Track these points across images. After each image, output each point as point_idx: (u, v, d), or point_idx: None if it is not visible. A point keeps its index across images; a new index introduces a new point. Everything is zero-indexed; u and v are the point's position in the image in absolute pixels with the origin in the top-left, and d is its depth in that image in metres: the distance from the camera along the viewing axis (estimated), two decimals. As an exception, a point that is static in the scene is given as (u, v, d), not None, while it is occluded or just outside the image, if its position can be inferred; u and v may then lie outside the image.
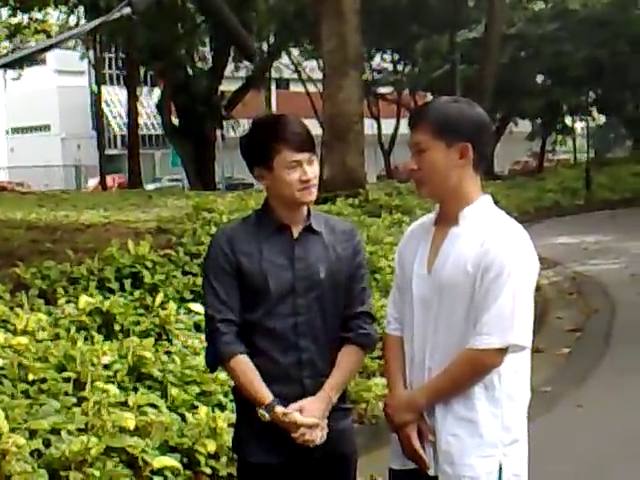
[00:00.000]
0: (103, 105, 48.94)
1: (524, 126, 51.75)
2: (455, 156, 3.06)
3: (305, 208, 3.37)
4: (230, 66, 39.00)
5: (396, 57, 49.20)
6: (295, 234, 3.34)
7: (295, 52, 47.39)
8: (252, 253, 3.29)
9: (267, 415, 3.24)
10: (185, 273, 9.17)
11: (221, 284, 3.30)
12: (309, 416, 3.26)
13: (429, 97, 40.90)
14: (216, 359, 3.37)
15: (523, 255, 3.03)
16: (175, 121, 37.00)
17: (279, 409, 3.24)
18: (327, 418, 3.31)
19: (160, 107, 37.80)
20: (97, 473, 4.70)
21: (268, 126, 3.35)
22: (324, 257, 3.34)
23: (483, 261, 2.98)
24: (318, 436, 3.27)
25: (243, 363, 3.27)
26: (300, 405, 3.27)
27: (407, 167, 3.14)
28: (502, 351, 2.99)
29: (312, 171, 3.30)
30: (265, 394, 3.25)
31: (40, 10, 36.98)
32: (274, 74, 49.79)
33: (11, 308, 7.30)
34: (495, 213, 3.13)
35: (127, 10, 2.29)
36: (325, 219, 3.47)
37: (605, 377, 8.54)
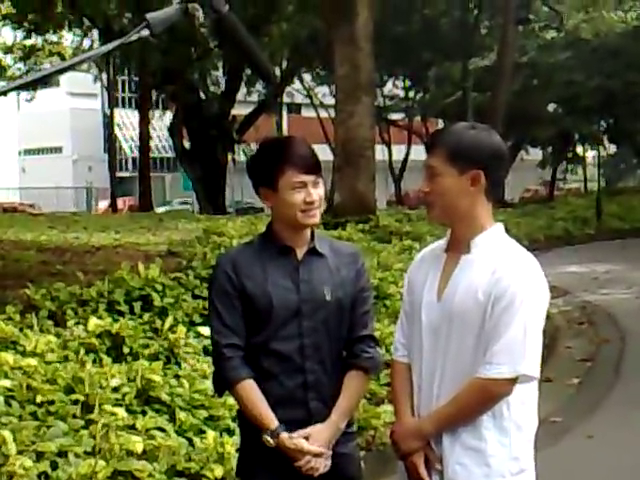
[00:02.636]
0: (115, 128, 49.15)
1: (535, 154, 51.79)
2: (466, 183, 3.05)
3: (309, 231, 3.36)
4: (242, 90, 39.15)
5: (408, 83, 49.38)
6: (299, 256, 3.34)
7: (307, 77, 47.61)
8: (256, 276, 3.29)
9: (272, 441, 3.23)
10: (195, 297, 9.16)
11: (226, 308, 3.29)
12: (315, 444, 3.24)
13: (440, 124, 40.97)
14: (222, 384, 3.36)
15: (535, 285, 3.02)
16: (187, 144, 37.11)
17: (284, 435, 3.23)
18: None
19: (172, 130, 37.94)
20: (104, 496, 4.69)
21: (275, 147, 3.37)
22: (329, 279, 3.33)
23: (494, 290, 2.97)
24: (322, 465, 3.25)
25: (249, 388, 3.26)
26: (307, 432, 3.25)
27: (421, 188, 3.14)
28: (512, 381, 2.97)
29: (317, 193, 3.29)
30: (270, 419, 3.24)
31: (54, 33, 37.19)
32: (286, 99, 50.05)
33: (21, 329, 7.30)
34: (507, 242, 3.12)
35: (145, 32, 2.29)
36: (329, 242, 3.47)
37: (616, 408, 8.49)
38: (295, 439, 3.23)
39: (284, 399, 3.26)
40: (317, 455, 3.24)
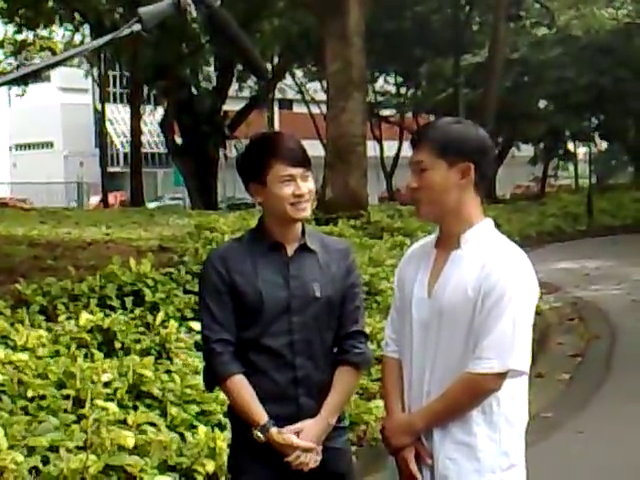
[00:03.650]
0: (106, 123, 49.02)
1: (526, 150, 51.83)
2: (456, 176, 3.06)
3: (299, 226, 3.37)
4: (234, 86, 39.11)
5: (400, 80, 49.37)
6: (289, 252, 3.35)
7: (299, 73, 47.57)
8: (247, 272, 3.30)
9: (262, 436, 3.24)
10: (186, 292, 9.17)
11: (216, 304, 3.30)
12: (306, 439, 3.26)
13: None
14: (213, 379, 3.37)
15: (524, 280, 3.03)
16: (178, 140, 37.07)
17: (274, 430, 3.24)
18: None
19: (163, 126, 37.88)
20: (95, 491, 4.69)
21: (263, 142, 3.39)
22: (319, 275, 3.34)
23: (484, 285, 2.98)
24: (312, 460, 3.27)
25: (239, 383, 3.27)
26: (297, 427, 3.27)
27: (409, 184, 3.14)
28: (501, 376, 2.98)
29: (306, 186, 3.30)
30: (260, 415, 3.25)
31: (45, 27, 37.11)
32: (277, 95, 49.98)
33: (12, 324, 7.30)
34: (496, 237, 3.12)
35: (137, 27, 2.29)
36: (320, 238, 3.47)
37: (606, 403, 8.51)
38: (285, 434, 3.24)
39: (274, 394, 3.28)
40: (307, 450, 3.25)
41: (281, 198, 3.27)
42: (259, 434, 3.24)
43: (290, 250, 3.35)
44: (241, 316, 3.30)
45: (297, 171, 3.28)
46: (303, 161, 3.31)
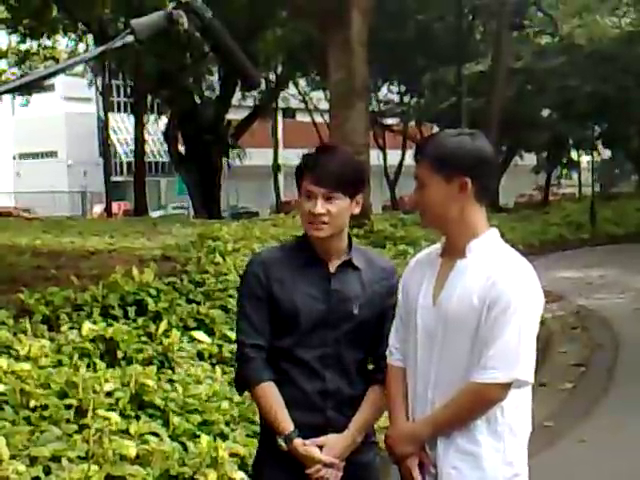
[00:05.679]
0: (110, 132, 49.11)
1: (529, 159, 51.86)
2: (454, 190, 3.05)
3: (343, 242, 3.36)
4: (237, 95, 39.16)
5: (403, 89, 49.43)
6: (332, 267, 3.34)
7: (302, 82, 47.64)
8: (285, 281, 3.30)
9: (284, 445, 3.24)
10: (189, 301, 9.17)
11: (253, 309, 3.31)
12: (329, 453, 3.25)
13: (435, 129, 40.98)
14: (243, 383, 3.38)
15: (529, 290, 3.02)
16: (182, 149, 37.10)
17: (298, 441, 3.24)
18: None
19: (167, 135, 37.93)
20: (97, 501, 4.68)
21: (309, 155, 3.40)
22: (360, 293, 3.34)
23: (489, 295, 2.97)
24: (332, 475, 3.25)
25: (268, 390, 3.28)
26: (322, 441, 3.26)
27: (411, 199, 3.15)
28: (506, 386, 2.97)
29: (325, 207, 3.25)
30: (286, 424, 3.25)
31: (49, 37, 37.19)
32: (281, 104, 50.07)
33: (14, 334, 7.29)
34: (502, 247, 3.12)
35: (130, 39, 2.30)
36: (364, 253, 3.48)
37: (609, 413, 8.50)
38: (308, 446, 3.24)
39: (302, 403, 3.28)
40: (328, 465, 3.24)
41: (302, 212, 3.30)
42: (282, 443, 3.24)
43: (333, 265, 3.34)
44: (277, 325, 3.31)
45: (318, 190, 3.25)
46: (330, 182, 3.25)
